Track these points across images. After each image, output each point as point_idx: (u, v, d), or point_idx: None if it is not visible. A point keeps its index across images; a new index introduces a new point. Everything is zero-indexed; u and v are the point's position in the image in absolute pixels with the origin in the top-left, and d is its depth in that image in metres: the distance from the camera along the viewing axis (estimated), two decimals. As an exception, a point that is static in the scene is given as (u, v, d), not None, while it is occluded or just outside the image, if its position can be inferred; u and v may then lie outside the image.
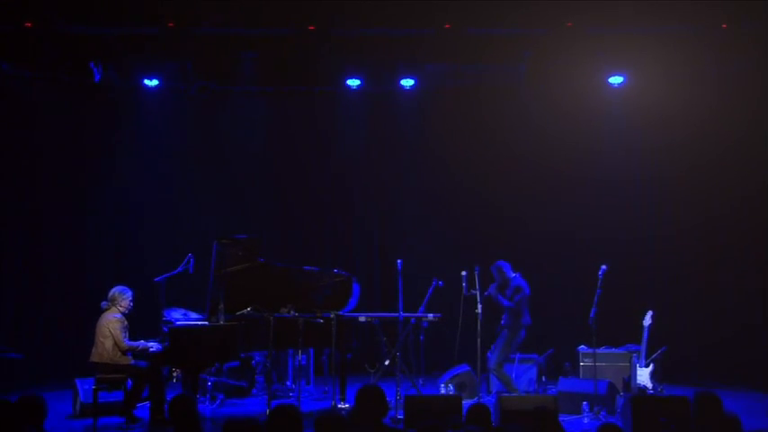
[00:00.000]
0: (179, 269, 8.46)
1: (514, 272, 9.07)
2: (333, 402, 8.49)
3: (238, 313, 8.11)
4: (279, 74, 10.81)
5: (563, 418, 7.64)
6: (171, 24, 9.55)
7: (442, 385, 9.09)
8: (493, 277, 9.06)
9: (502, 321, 9.05)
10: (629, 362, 8.70)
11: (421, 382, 9.61)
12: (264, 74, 10.77)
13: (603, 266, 8.30)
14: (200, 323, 8.04)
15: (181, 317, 8.22)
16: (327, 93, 11.35)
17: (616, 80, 10.53)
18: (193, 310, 8.42)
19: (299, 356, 9.31)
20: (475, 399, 8.63)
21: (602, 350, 9.25)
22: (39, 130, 10.71)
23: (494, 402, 7.35)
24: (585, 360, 9.39)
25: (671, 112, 10.66)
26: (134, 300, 8.07)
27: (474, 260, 8.90)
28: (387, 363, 9.11)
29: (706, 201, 10.67)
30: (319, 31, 9.74)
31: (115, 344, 7.75)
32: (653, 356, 8.61)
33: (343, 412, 7.80)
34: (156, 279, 8.46)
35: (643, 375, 8.47)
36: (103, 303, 7.97)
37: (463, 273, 8.70)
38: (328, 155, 11.77)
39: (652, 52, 10.03)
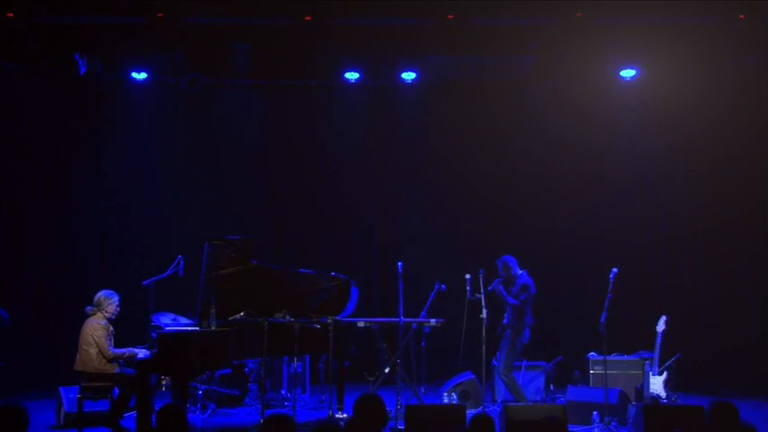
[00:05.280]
0: (168, 272, 8.46)
1: (521, 269, 9.08)
2: (330, 412, 8.48)
3: (231, 318, 8.11)
4: (274, 67, 10.81)
5: (572, 428, 7.63)
6: (160, 14, 9.56)
7: (445, 394, 9.08)
8: (498, 272, 9.07)
9: (504, 320, 9.08)
10: (642, 369, 8.70)
11: (423, 390, 9.62)
12: (258, 66, 10.77)
13: (615, 269, 8.29)
14: (190, 329, 8.04)
15: (170, 322, 8.23)
16: (325, 86, 11.34)
17: (628, 73, 10.53)
18: (183, 315, 8.42)
19: (295, 364, 9.32)
20: (479, 408, 8.64)
21: (613, 357, 9.24)
22: (21, 125, 10.71)
23: (499, 412, 7.36)
24: (596, 368, 9.39)
25: (686, 106, 10.66)
26: (121, 304, 8.07)
27: (478, 262, 8.90)
28: (387, 370, 9.11)
29: (723, 200, 10.66)
30: (316, 22, 9.74)
31: (100, 352, 7.74)
32: (666, 364, 8.60)
33: (340, 422, 7.79)
34: (144, 282, 8.46)
35: (656, 384, 8.46)
36: (88, 308, 7.96)
37: (467, 276, 8.70)
38: (325, 151, 11.77)
39: (666, 44, 10.03)
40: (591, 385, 9.34)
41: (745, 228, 10.62)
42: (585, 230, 11.08)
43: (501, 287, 8.97)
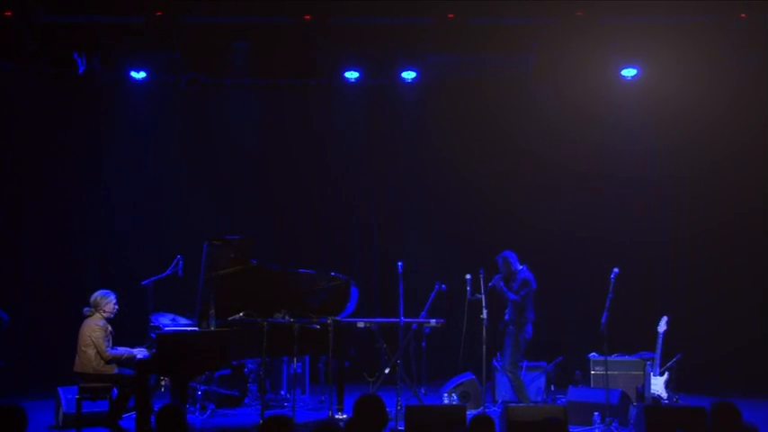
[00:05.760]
0: (167, 272, 8.46)
1: (521, 264, 9.08)
2: (330, 413, 8.49)
3: (230, 318, 8.11)
4: (273, 66, 10.78)
5: (573, 429, 7.63)
6: (159, 13, 9.54)
7: (446, 395, 9.09)
8: (498, 268, 9.07)
9: (506, 317, 9.08)
10: (643, 370, 8.71)
11: (423, 391, 9.62)
12: (258, 66, 10.74)
13: (616, 269, 8.29)
14: (189, 329, 8.04)
15: (169, 322, 8.22)
16: (324, 86, 11.32)
17: (629, 73, 10.51)
18: (183, 316, 8.42)
19: (295, 364, 9.31)
20: (480, 409, 8.64)
21: (614, 358, 9.25)
22: (19, 125, 10.70)
23: (500, 413, 7.37)
24: (597, 368, 9.39)
25: (687, 106, 10.66)
26: (119, 303, 8.06)
27: (479, 262, 8.90)
28: (387, 371, 9.12)
29: (725, 200, 10.66)
30: (316, 21, 9.73)
31: (98, 353, 7.74)
32: (668, 365, 8.61)
33: (340, 423, 7.80)
34: (143, 282, 8.46)
35: (657, 384, 8.46)
36: (85, 310, 7.95)
37: (468, 276, 8.70)
38: (325, 151, 11.77)
39: (667, 43, 10.02)
40: (592, 386, 9.34)
41: (746, 228, 10.62)
42: (586, 230, 11.08)
43: (501, 283, 8.97)
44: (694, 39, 9.93)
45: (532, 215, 11.19)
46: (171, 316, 8.37)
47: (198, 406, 8.76)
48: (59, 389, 8.46)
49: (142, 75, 10.60)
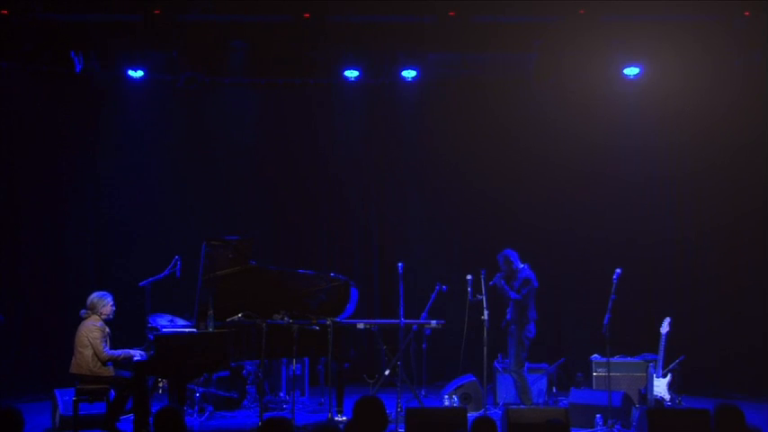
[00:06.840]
0: (165, 272, 8.46)
1: (522, 262, 9.09)
2: (329, 415, 8.50)
3: (228, 320, 8.12)
4: (272, 65, 10.80)
5: (575, 431, 7.64)
6: (157, 11, 9.54)
7: (446, 397, 9.09)
8: (499, 266, 9.07)
9: (507, 316, 9.08)
10: (646, 372, 8.70)
11: (423, 393, 9.61)
12: (256, 65, 10.75)
13: (618, 270, 8.29)
14: (187, 330, 8.04)
15: (167, 323, 8.23)
16: (323, 85, 11.33)
17: (632, 71, 10.51)
18: (181, 317, 8.42)
19: (294, 366, 9.29)
20: (481, 411, 8.65)
21: (616, 359, 9.25)
22: (16, 124, 10.70)
23: (501, 415, 7.37)
24: (599, 370, 9.39)
25: (691, 105, 10.67)
26: (116, 305, 8.07)
27: (480, 263, 8.91)
28: (387, 373, 9.12)
29: (728, 200, 10.66)
30: (315, 19, 9.72)
31: (95, 353, 7.74)
32: (671, 366, 8.61)
33: (340, 425, 7.80)
34: (140, 283, 8.46)
35: (660, 386, 8.46)
36: (82, 312, 7.96)
37: (468, 277, 8.71)
38: (324, 151, 11.75)
39: (671, 41, 10.02)
40: (594, 388, 9.34)
41: (750, 228, 10.61)
42: (589, 231, 11.08)
43: (503, 281, 8.97)
44: (697, 37, 9.93)
45: (534, 215, 11.19)
46: (169, 317, 8.37)
47: (196, 408, 8.76)
48: (56, 391, 8.46)
49: (140, 73, 10.59)
